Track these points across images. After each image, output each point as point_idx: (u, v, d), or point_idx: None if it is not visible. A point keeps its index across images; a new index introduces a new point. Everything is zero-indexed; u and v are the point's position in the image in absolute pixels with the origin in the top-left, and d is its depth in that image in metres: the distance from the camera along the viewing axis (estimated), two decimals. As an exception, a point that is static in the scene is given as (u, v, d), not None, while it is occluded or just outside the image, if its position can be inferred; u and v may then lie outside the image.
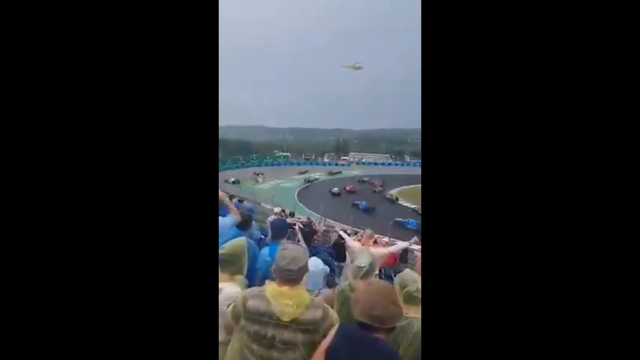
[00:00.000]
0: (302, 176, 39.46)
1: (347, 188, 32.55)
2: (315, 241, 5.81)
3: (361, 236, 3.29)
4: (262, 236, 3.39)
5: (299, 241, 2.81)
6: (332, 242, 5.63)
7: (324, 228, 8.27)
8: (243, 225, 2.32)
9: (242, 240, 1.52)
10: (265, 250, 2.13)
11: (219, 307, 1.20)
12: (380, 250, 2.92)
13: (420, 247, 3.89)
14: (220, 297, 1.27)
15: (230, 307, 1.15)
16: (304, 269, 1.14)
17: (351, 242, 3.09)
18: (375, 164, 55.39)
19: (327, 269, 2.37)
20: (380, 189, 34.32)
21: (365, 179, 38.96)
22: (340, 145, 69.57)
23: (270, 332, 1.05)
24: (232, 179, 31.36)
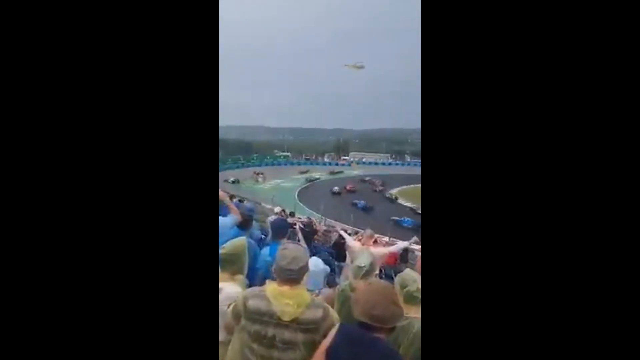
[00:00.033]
0: (303, 176, 39.56)
1: (348, 187, 32.78)
2: (316, 241, 5.81)
3: (361, 236, 3.29)
4: (263, 236, 3.40)
5: (299, 241, 2.81)
6: (332, 242, 5.63)
7: (324, 228, 8.27)
8: (243, 225, 2.32)
9: (242, 240, 1.52)
10: (266, 250, 2.13)
11: (220, 307, 1.20)
12: (381, 250, 2.91)
13: (420, 246, 3.89)
14: (221, 296, 1.27)
15: (231, 307, 1.15)
16: (305, 269, 1.14)
17: (351, 241, 3.09)
18: (376, 163, 55.39)
19: (328, 268, 2.38)
20: (381, 188, 34.45)
21: (367, 178, 39.15)
22: (341, 145, 69.55)
23: (270, 331, 1.05)
24: (232, 179, 31.40)
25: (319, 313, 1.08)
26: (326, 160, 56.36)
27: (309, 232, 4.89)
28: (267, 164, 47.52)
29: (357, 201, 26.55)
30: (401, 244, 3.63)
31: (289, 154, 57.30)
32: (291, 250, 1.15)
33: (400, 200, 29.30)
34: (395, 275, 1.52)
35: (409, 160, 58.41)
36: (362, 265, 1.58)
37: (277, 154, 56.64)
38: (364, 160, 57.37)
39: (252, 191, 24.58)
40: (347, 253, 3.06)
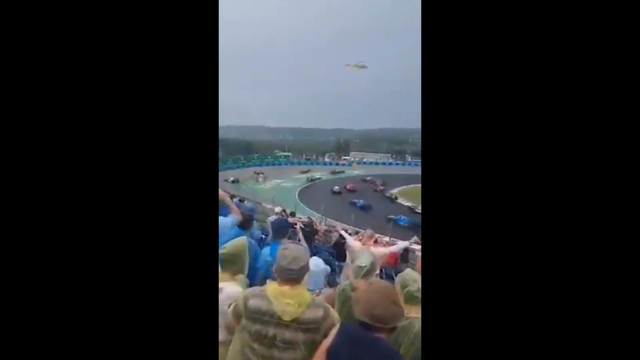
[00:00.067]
0: (305, 175, 39.63)
1: (348, 187, 33.01)
2: (316, 241, 5.81)
3: (362, 236, 3.29)
4: (263, 236, 3.40)
5: (300, 241, 2.81)
6: (333, 242, 5.63)
7: (325, 228, 8.27)
8: (244, 225, 2.32)
9: (243, 240, 1.52)
10: (266, 250, 2.13)
11: (221, 307, 1.20)
12: (381, 250, 2.91)
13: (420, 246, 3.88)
14: (222, 296, 1.27)
15: (232, 307, 1.15)
16: (305, 269, 1.14)
17: (352, 241, 3.09)
18: (376, 163, 55.40)
19: (328, 268, 2.38)
20: (381, 188, 34.56)
21: (369, 178, 39.37)
22: (342, 145, 69.51)
23: (271, 331, 1.05)
24: (232, 178, 31.47)
25: (319, 313, 1.08)
26: (327, 160, 56.37)
27: (310, 232, 4.89)
28: (267, 164, 47.56)
29: (355, 200, 26.92)
30: (402, 244, 3.62)
31: (289, 153, 57.32)
32: (292, 250, 1.15)
33: (400, 200, 29.47)
34: (396, 275, 1.52)
35: (409, 160, 58.38)
36: (363, 265, 1.58)
37: (278, 154, 56.66)
38: (364, 160, 57.36)
39: (253, 191, 24.63)
40: (347, 253, 3.06)
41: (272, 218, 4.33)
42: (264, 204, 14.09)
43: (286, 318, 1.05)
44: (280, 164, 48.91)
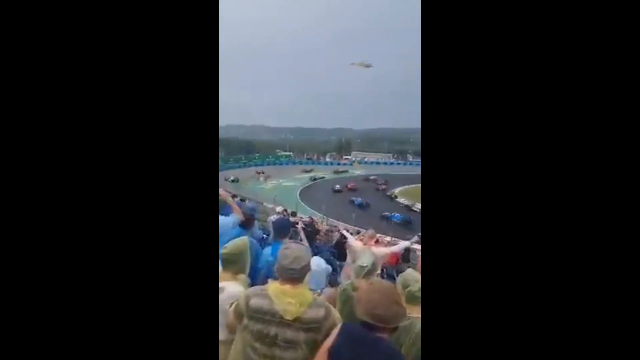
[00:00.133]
0: (308, 175, 39.69)
1: (349, 185, 33.38)
2: (318, 240, 5.81)
3: (363, 236, 3.29)
4: (264, 235, 3.40)
5: (301, 240, 2.82)
6: (334, 242, 5.63)
7: (326, 227, 8.27)
8: (245, 225, 2.33)
9: (244, 240, 1.53)
10: (268, 250, 2.14)
11: (222, 306, 1.20)
12: (382, 250, 2.91)
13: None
14: (223, 296, 1.27)
15: (233, 306, 1.16)
16: (307, 268, 1.14)
17: (353, 241, 3.09)
18: (378, 163, 55.35)
19: (330, 268, 2.38)
20: (383, 187, 34.70)
21: (372, 177, 39.72)
22: (343, 145, 69.44)
23: (273, 330, 1.05)
24: (232, 178, 31.54)
25: (320, 312, 1.08)
26: (328, 159, 56.36)
27: (311, 231, 4.89)
28: (269, 164, 47.61)
29: (354, 198, 27.78)
30: (403, 244, 3.62)
31: (290, 153, 57.32)
32: (293, 249, 1.15)
33: (400, 199, 29.82)
34: (397, 275, 1.52)
35: (410, 159, 58.29)
36: (364, 265, 1.58)
37: (279, 154, 56.67)
38: (365, 159, 57.31)
39: (254, 191, 24.70)
40: (347, 252, 3.05)
41: (274, 218, 4.34)
42: (265, 204, 14.10)
43: (288, 317, 1.05)
44: (281, 164, 48.95)
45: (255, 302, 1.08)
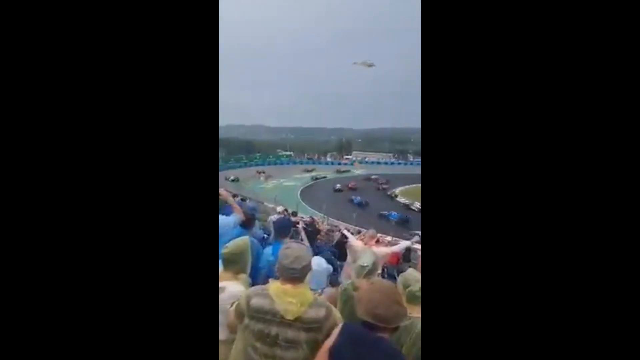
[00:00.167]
0: (310, 174, 39.75)
1: (350, 185, 33.48)
2: (319, 240, 5.81)
3: (364, 236, 3.28)
4: (265, 235, 3.40)
5: (302, 240, 2.82)
6: (335, 242, 5.63)
7: (327, 227, 8.27)
8: (246, 224, 2.33)
9: (245, 239, 1.53)
10: (269, 250, 2.14)
11: (223, 306, 1.20)
12: (383, 250, 2.91)
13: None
14: (224, 295, 1.28)
15: (234, 306, 1.16)
16: (307, 268, 1.14)
17: (354, 241, 3.08)
18: (378, 163, 55.37)
19: (330, 268, 2.37)
20: (384, 186, 34.76)
21: (373, 176, 39.94)
22: (344, 145, 69.39)
23: (273, 330, 1.05)
24: (233, 177, 31.60)
25: (321, 312, 1.08)
26: (329, 159, 56.35)
27: (312, 231, 4.89)
28: (270, 163, 47.63)
29: (353, 197, 28.11)
30: (403, 244, 3.62)
31: (291, 153, 57.33)
32: (294, 249, 1.15)
33: (399, 198, 29.97)
34: (398, 275, 1.52)
35: (411, 159, 58.25)
36: (365, 264, 1.58)
37: (280, 153, 56.69)
38: (366, 159, 57.30)
39: (255, 190, 24.74)
40: (348, 252, 3.05)
41: (274, 217, 4.34)
42: (265, 203, 14.10)
43: (289, 317, 1.05)
44: (282, 164, 48.97)
45: (256, 301, 1.08)
